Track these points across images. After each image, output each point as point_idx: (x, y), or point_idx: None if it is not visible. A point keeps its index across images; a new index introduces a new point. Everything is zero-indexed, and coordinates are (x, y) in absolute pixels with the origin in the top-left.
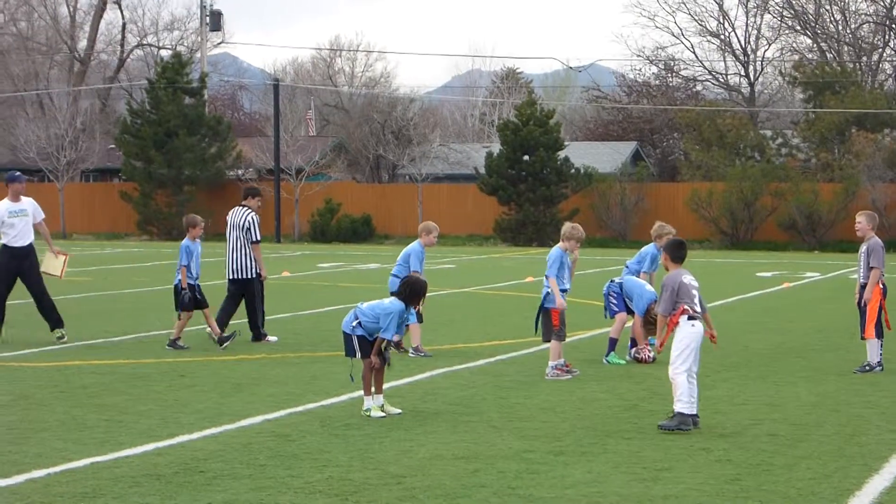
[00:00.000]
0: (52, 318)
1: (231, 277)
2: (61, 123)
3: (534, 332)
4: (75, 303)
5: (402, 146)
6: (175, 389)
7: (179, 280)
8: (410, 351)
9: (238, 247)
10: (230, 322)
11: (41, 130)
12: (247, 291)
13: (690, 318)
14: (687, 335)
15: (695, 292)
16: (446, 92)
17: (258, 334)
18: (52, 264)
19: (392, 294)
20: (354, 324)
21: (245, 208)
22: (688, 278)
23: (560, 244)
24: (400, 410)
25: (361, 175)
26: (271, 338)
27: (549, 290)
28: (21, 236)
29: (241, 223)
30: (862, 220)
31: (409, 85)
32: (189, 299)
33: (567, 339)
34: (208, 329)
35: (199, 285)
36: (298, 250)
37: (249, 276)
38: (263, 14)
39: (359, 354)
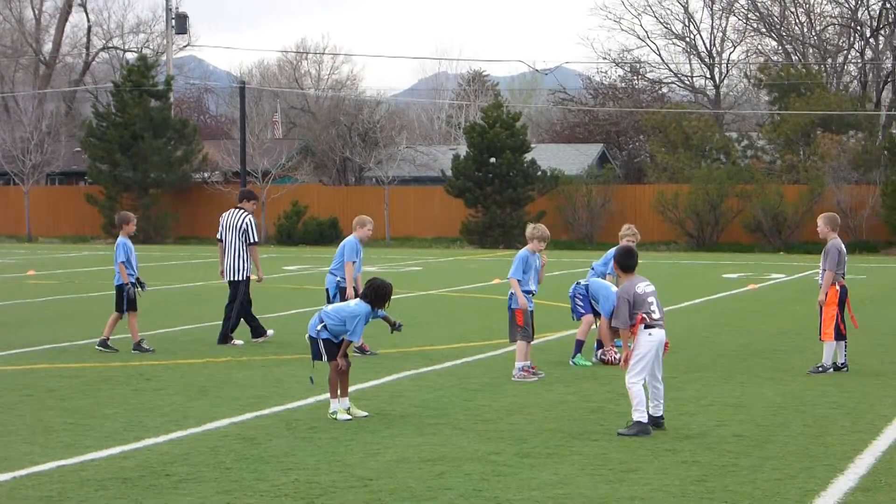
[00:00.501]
0: None
1: (228, 279)
2: (26, 126)
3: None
4: (41, 306)
5: (369, 149)
6: (141, 393)
7: (120, 280)
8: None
9: (233, 249)
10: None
11: (6, 133)
12: (232, 292)
13: (648, 326)
14: (644, 344)
15: (651, 299)
16: (413, 94)
17: (225, 337)
18: None
19: (326, 291)
20: (319, 327)
21: (241, 210)
22: (641, 286)
23: (528, 245)
24: (366, 413)
25: (328, 178)
26: (237, 341)
27: (514, 292)
28: None
29: (238, 225)
30: (820, 223)
31: (376, 87)
32: (135, 294)
33: (534, 341)
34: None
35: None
36: (265, 253)
37: (240, 278)
38: (229, 17)
39: (325, 357)
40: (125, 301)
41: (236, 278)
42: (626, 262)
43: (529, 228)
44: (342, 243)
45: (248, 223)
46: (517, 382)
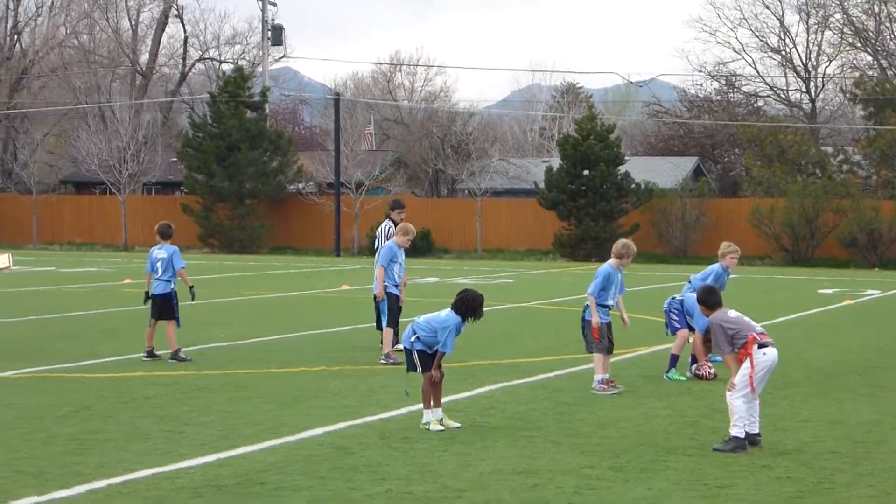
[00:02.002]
0: None
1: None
2: (123, 136)
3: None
4: (137, 314)
5: (462, 160)
6: (236, 401)
7: (174, 288)
8: (381, 358)
9: None
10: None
11: (103, 143)
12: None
13: (761, 345)
14: (759, 363)
15: (748, 319)
16: (506, 106)
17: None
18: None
19: (375, 296)
20: (413, 338)
21: (388, 220)
22: (733, 312)
23: (613, 261)
24: (459, 424)
25: (421, 189)
26: (398, 346)
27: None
28: None
29: (379, 234)
30: None
31: (469, 99)
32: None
33: (628, 355)
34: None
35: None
36: (358, 264)
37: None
38: (324, 29)
39: (419, 368)
40: (176, 308)
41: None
42: (712, 300)
43: (623, 246)
44: (381, 248)
45: (381, 231)
46: (610, 396)
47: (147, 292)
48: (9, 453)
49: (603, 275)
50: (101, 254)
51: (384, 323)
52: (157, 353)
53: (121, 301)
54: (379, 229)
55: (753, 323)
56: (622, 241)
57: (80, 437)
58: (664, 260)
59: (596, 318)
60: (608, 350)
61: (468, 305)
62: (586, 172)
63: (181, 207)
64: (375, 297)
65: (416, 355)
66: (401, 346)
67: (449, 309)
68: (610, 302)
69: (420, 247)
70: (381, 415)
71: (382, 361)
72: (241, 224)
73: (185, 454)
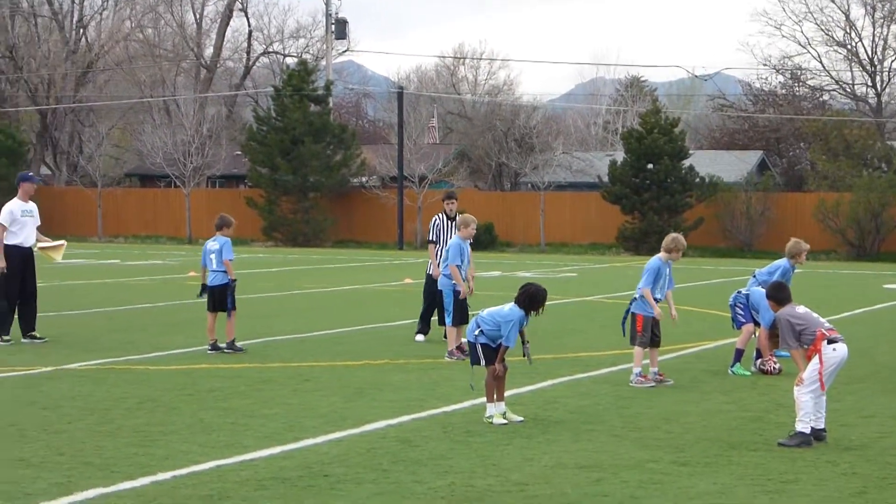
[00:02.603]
0: (32, 323)
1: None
2: (188, 130)
3: (622, 335)
4: (202, 307)
5: (525, 154)
6: (300, 393)
7: (230, 278)
8: (446, 355)
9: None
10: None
11: (167, 136)
12: (428, 287)
13: (831, 341)
14: (828, 359)
15: (816, 315)
16: (570, 100)
17: (423, 327)
18: (54, 246)
19: (440, 291)
20: (477, 332)
21: (442, 211)
22: (802, 308)
23: (662, 255)
24: (522, 418)
25: (484, 183)
26: (419, 337)
27: (637, 297)
28: (29, 237)
29: (431, 227)
30: None
31: (533, 93)
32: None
33: (693, 349)
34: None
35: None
36: (421, 257)
37: (429, 272)
38: (388, 22)
39: (483, 362)
40: (232, 298)
41: (428, 272)
42: (780, 296)
43: (672, 240)
44: (448, 246)
45: (431, 223)
46: (673, 390)
47: (203, 285)
48: (75, 445)
49: (652, 269)
50: (166, 247)
51: (448, 321)
52: (221, 345)
53: (186, 294)
54: (431, 222)
55: (821, 319)
56: (672, 234)
57: (146, 430)
58: (728, 254)
59: (658, 311)
60: (649, 344)
61: (532, 299)
62: (650, 166)
63: (245, 201)
64: (443, 293)
65: (479, 349)
66: (465, 340)
67: (512, 303)
68: (658, 296)
69: (483, 240)
70: (444, 408)
71: (447, 359)
72: (304, 217)
73: (249, 446)
